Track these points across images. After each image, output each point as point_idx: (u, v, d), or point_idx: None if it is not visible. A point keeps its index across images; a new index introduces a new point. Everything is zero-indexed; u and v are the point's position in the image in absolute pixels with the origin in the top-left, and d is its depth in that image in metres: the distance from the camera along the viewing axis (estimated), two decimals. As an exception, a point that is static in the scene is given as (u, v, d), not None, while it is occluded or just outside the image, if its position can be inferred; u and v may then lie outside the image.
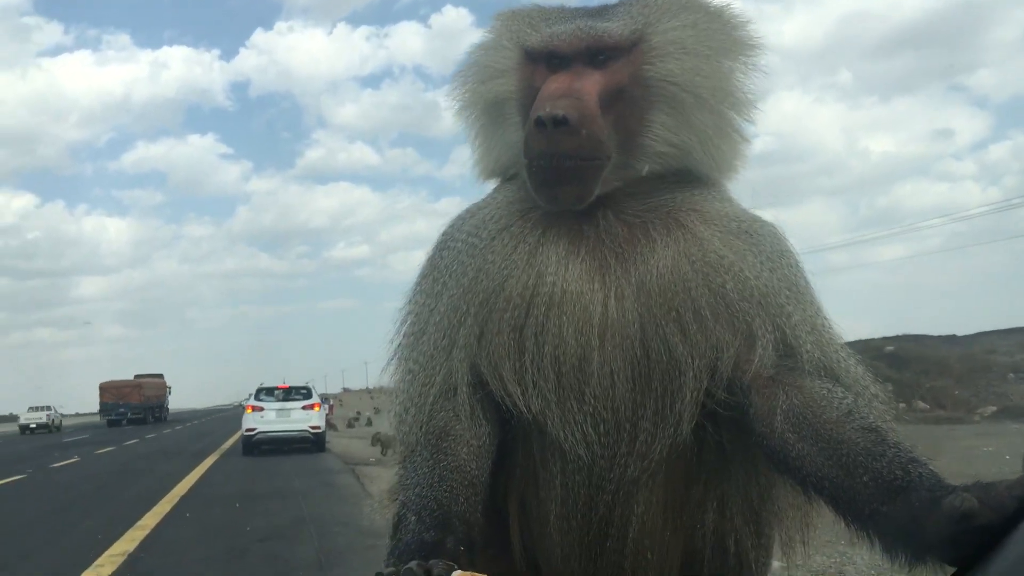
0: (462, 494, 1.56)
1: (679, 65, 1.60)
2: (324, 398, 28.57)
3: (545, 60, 1.64)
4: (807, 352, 1.58)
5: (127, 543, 9.60)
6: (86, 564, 8.35)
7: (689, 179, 1.68)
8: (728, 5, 1.71)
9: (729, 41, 1.67)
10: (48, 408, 56.06)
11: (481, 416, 1.65)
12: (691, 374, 1.55)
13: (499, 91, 1.73)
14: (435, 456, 1.60)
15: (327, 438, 24.58)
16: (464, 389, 1.65)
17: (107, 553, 8.97)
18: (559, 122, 1.51)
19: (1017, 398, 26.91)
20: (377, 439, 21.41)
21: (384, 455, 20.14)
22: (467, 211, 1.81)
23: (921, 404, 27.59)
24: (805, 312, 1.62)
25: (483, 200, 1.82)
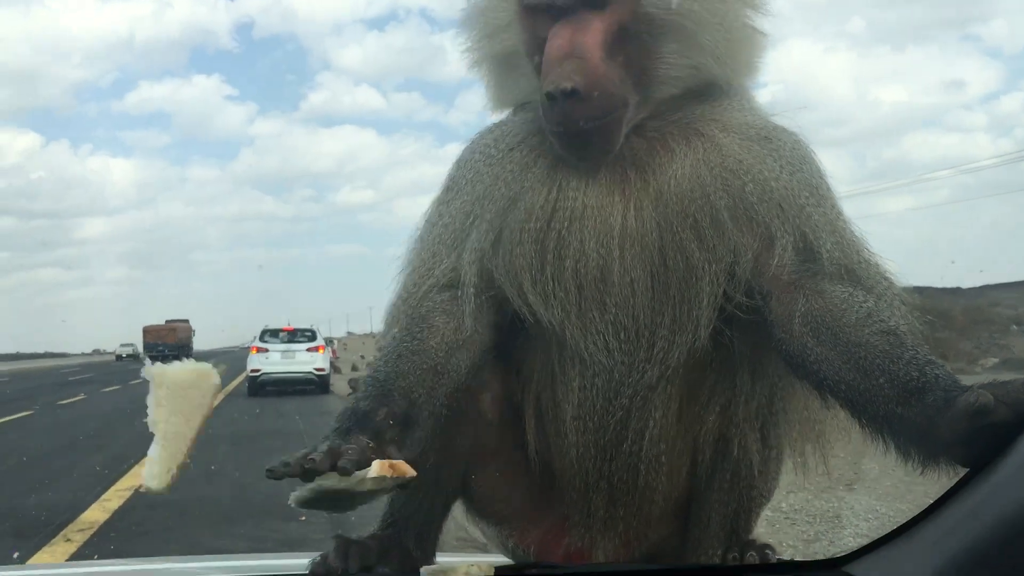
0: (414, 374, 1.58)
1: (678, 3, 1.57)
2: (328, 341, 28.71)
3: (545, 10, 1.60)
4: (827, 253, 1.57)
5: (133, 478, 9.71)
6: (93, 498, 8.49)
7: (709, 91, 1.66)
8: None
9: None
10: (132, 344, 77.40)
11: (471, 315, 1.66)
12: (707, 279, 1.56)
13: (505, 45, 1.71)
14: (403, 338, 1.63)
15: (331, 380, 24.74)
16: (468, 289, 1.66)
17: (114, 488, 9.12)
18: (569, 94, 1.50)
19: (1019, 350, 27.01)
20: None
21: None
22: (487, 127, 1.81)
23: (924, 355, 27.66)
24: (826, 214, 1.61)
25: (502, 119, 1.81)
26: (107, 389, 29.53)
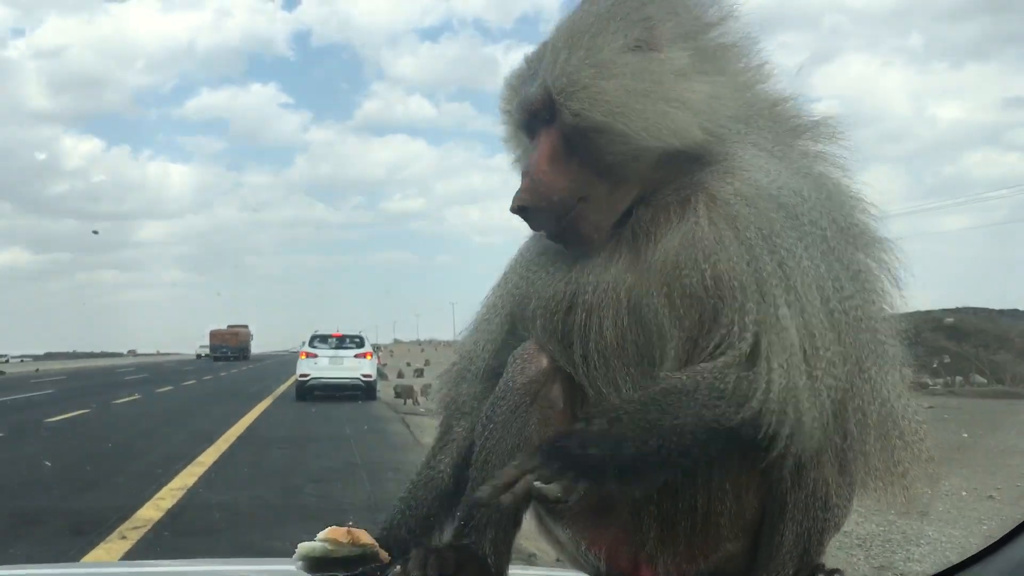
0: (429, 504, 1.89)
1: (577, 104, 1.66)
2: (375, 348, 28.94)
3: (523, 131, 1.81)
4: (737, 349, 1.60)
5: (186, 478, 9.93)
6: (148, 496, 8.67)
7: (702, 157, 1.71)
8: (618, 10, 1.71)
9: (634, 39, 1.69)
10: (207, 345, 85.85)
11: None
12: (672, 351, 1.66)
13: (517, 151, 1.91)
14: (430, 457, 1.93)
15: (377, 387, 24.94)
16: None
17: (167, 487, 9.30)
18: (520, 212, 1.70)
19: (1079, 375, 26.23)
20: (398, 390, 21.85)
21: (405, 404, 20.48)
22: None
23: (979, 378, 27.06)
24: (764, 304, 1.60)
25: None
26: (161, 390, 30.10)
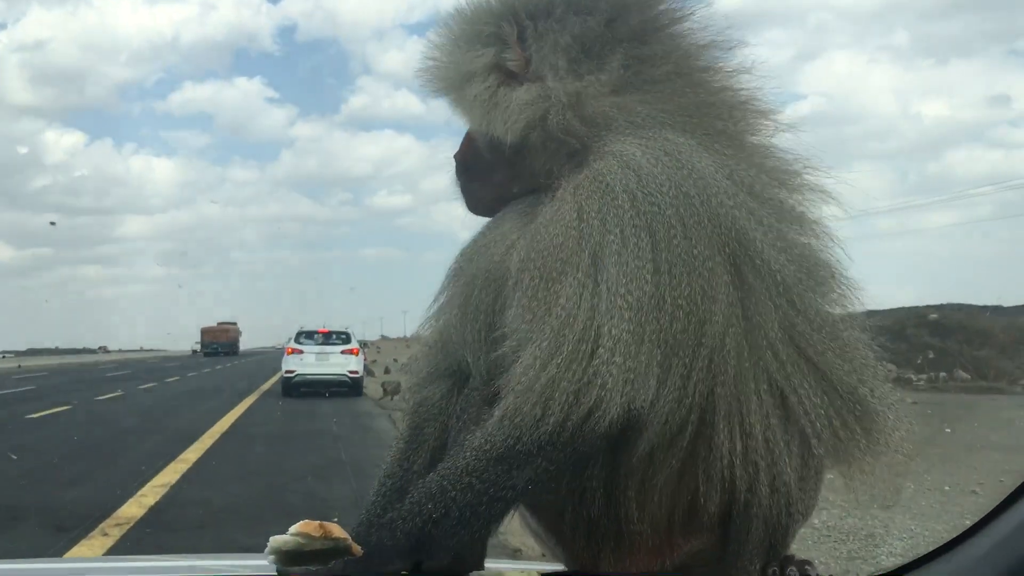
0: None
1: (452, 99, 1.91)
2: (362, 344, 28.91)
3: None
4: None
5: (169, 475, 9.88)
6: (130, 493, 8.62)
7: (580, 151, 1.76)
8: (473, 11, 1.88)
9: (476, 57, 1.85)
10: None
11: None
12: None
13: None
14: (394, 462, 1.93)
15: (364, 383, 24.90)
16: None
17: (150, 484, 9.25)
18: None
19: (1061, 371, 26.47)
20: (386, 386, 21.84)
21: (392, 400, 20.48)
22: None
23: (963, 373, 27.26)
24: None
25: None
26: (144, 386, 29.96)
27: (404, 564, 1.60)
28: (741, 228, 1.63)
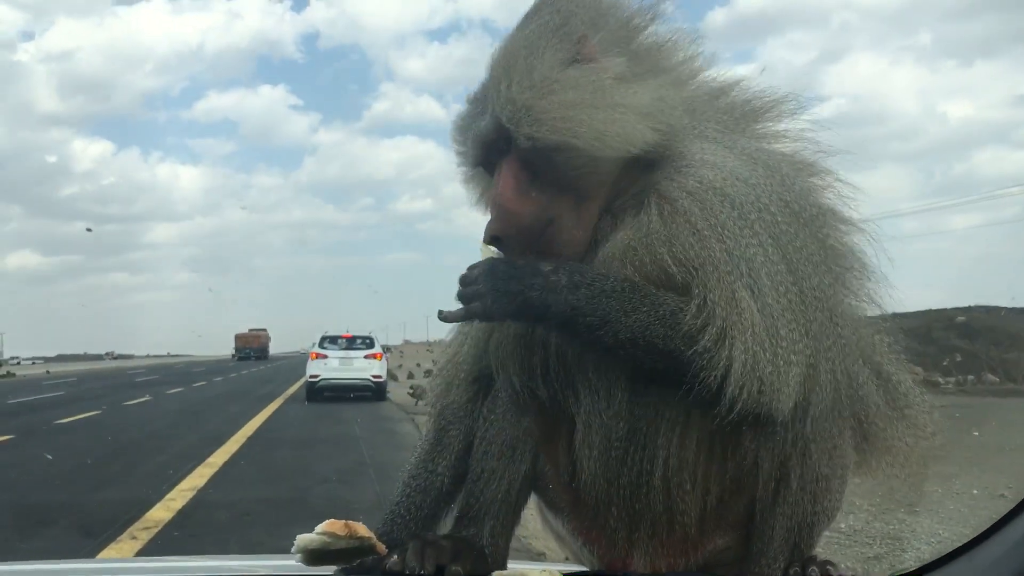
0: (427, 507, 1.92)
1: (530, 128, 1.67)
2: (385, 349, 29.00)
3: (483, 168, 1.83)
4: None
5: (196, 479, 9.97)
6: (158, 497, 8.71)
7: (655, 159, 1.73)
8: (563, 11, 1.74)
9: (567, 54, 1.71)
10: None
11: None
12: None
13: (479, 190, 1.95)
14: (419, 462, 1.95)
15: (388, 388, 24.98)
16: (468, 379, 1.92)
17: (178, 487, 9.34)
18: (496, 241, 1.71)
19: (1091, 374, 26.10)
20: (413, 391, 21.77)
21: (416, 405, 20.47)
22: None
23: (991, 376, 26.96)
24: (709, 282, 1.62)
25: None
26: (171, 391, 30.22)
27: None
28: (821, 224, 1.73)
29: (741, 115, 1.86)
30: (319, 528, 1.64)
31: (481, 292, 1.61)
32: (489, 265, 1.63)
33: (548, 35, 1.71)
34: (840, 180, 1.81)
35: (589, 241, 1.73)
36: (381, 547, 1.68)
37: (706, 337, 1.58)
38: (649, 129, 1.68)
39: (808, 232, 1.69)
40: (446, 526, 1.89)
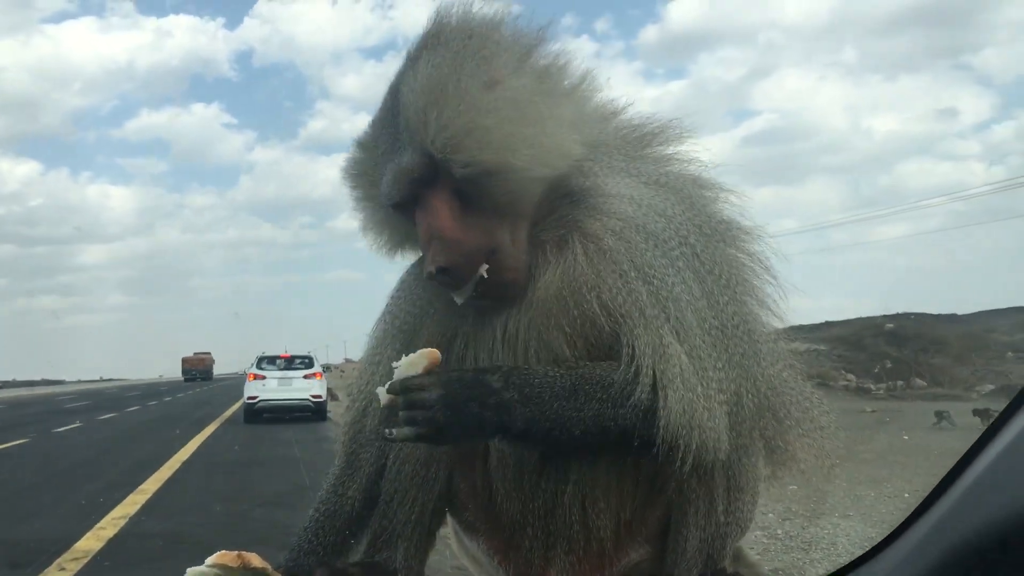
0: (336, 534, 1.93)
1: (462, 156, 1.65)
2: (326, 367, 28.63)
3: (401, 209, 1.76)
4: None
5: (128, 507, 9.71)
6: (88, 526, 8.46)
7: (571, 193, 1.75)
8: (471, 36, 1.72)
9: (483, 77, 1.69)
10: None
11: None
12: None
13: (389, 231, 1.90)
14: (329, 490, 1.97)
15: (328, 407, 24.70)
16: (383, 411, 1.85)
17: (109, 516, 9.08)
18: (442, 271, 1.67)
19: (1015, 377, 27.00)
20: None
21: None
22: (418, 258, 1.95)
23: (919, 381, 27.71)
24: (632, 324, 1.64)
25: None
26: (103, 417, 29.42)
27: None
28: (730, 238, 1.79)
29: (635, 139, 1.88)
30: (210, 560, 1.60)
31: (434, 418, 1.58)
32: (444, 387, 1.60)
33: (466, 60, 1.68)
34: (728, 190, 1.85)
35: (528, 270, 1.72)
36: None
37: (639, 391, 1.59)
38: (577, 143, 1.70)
39: (720, 252, 1.73)
40: (358, 553, 1.87)
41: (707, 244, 1.71)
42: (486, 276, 1.67)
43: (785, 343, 1.90)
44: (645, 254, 1.66)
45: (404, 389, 1.61)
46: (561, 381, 1.61)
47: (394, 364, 1.67)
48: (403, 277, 1.98)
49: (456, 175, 1.66)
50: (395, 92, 1.74)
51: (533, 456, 1.72)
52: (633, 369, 1.60)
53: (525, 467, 1.73)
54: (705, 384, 1.61)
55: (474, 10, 1.73)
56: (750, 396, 1.70)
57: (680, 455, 1.58)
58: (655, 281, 1.64)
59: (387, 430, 1.63)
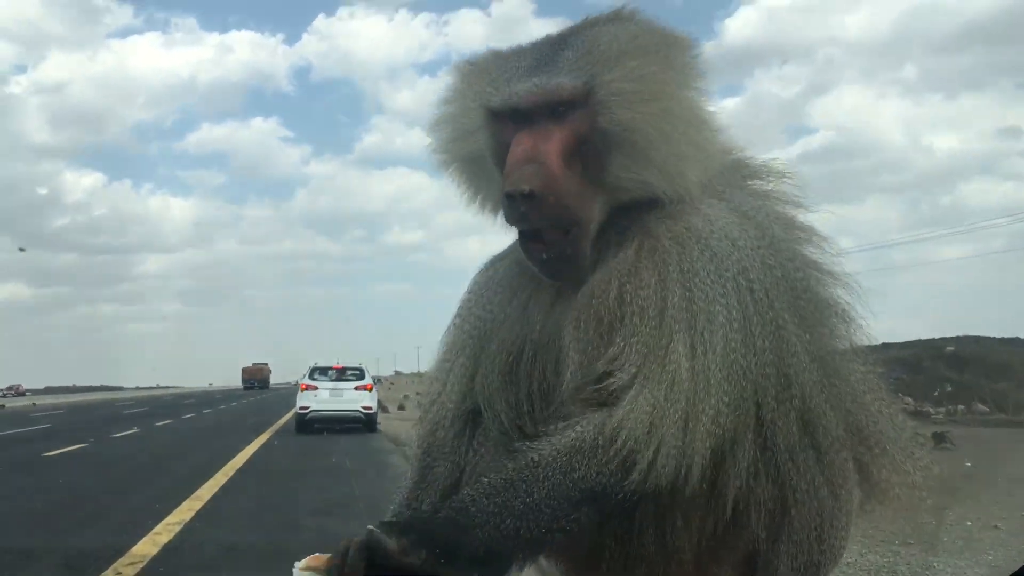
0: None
1: (628, 113, 1.63)
2: (376, 380, 28.82)
3: (509, 117, 1.70)
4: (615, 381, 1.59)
5: (184, 513, 9.85)
6: (144, 531, 8.59)
7: (656, 199, 1.71)
8: (670, 37, 1.74)
9: (676, 76, 1.69)
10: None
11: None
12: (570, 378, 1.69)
13: (472, 149, 1.81)
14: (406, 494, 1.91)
15: (378, 419, 24.84)
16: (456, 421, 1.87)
17: (164, 521, 9.21)
18: (526, 196, 1.60)
19: (1081, 403, 26.16)
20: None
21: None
22: (489, 260, 1.96)
23: (981, 406, 27.00)
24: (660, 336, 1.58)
25: (497, 255, 1.96)
26: (160, 423, 29.98)
27: None
28: (804, 281, 1.70)
29: (735, 169, 1.84)
30: (301, 564, 1.59)
31: None
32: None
33: (655, 51, 1.68)
34: (821, 235, 1.80)
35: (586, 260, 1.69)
36: None
37: (613, 381, 1.56)
38: (697, 181, 1.68)
39: (785, 301, 1.65)
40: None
41: (771, 283, 1.64)
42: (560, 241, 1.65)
43: (874, 376, 1.83)
44: (695, 263, 1.61)
45: None
46: (504, 493, 1.54)
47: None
48: (476, 278, 1.94)
49: (600, 123, 1.64)
50: (571, 32, 1.74)
51: None
52: (616, 361, 1.57)
53: None
54: (694, 404, 1.53)
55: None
56: (823, 414, 1.64)
57: (622, 463, 1.52)
58: (695, 289, 1.59)
59: None
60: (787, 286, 1.66)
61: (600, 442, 1.54)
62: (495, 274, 1.89)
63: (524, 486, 1.54)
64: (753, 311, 1.60)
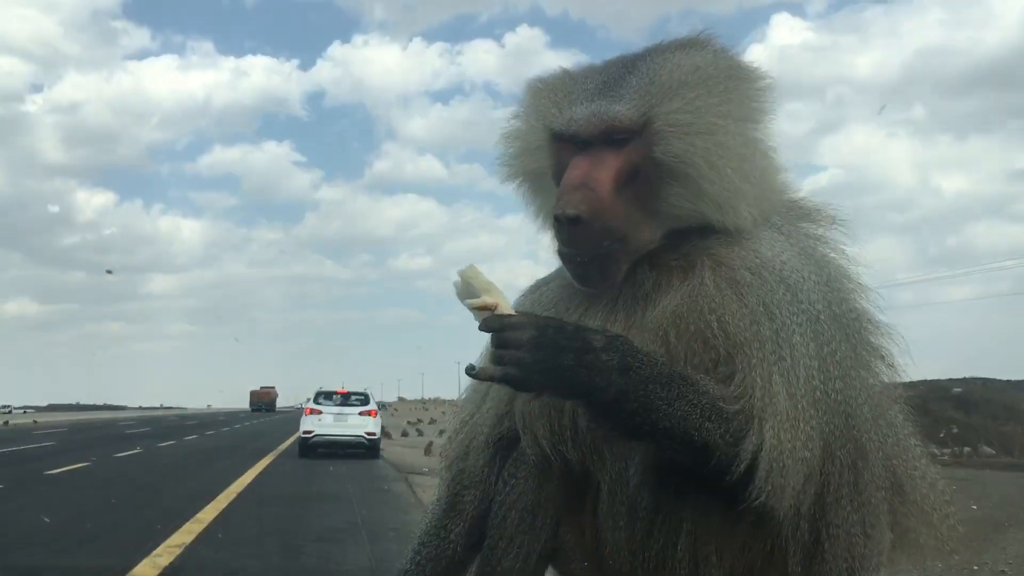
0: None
1: (682, 145, 1.66)
2: (380, 405, 28.75)
3: (570, 139, 1.74)
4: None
5: (184, 535, 9.80)
6: (144, 553, 8.55)
7: (712, 225, 1.73)
8: (735, 68, 1.76)
9: (735, 109, 1.72)
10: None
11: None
12: None
13: (536, 166, 1.85)
14: (429, 529, 1.93)
15: (381, 445, 24.75)
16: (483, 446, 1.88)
17: (165, 544, 9.16)
18: (573, 220, 1.63)
19: (1090, 449, 25.91)
20: (430, 449, 21.49)
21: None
22: (535, 283, 1.98)
23: (987, 449, 26.77)
24: (751, 367, 1.60)
25: (549, 274, 1.97)
26: (163, 444, 29.91)
27: None
28: (856, 328, 1.72)
29: (790, 208, 1.86)
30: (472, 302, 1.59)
31: (522, 358, 1.48)
32: (538, 329, 1.50)
33: (718, 83, 1.71)
34: (869, 287, 1.82)
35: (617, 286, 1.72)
36: None
37: (740, 420, 1.56)
38: (750, 217, 1.70)
39: (843, 335, 1.68)
40: None
41: (832, 321, 1.67)
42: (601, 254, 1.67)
43: (911, 425, 1.86)
44: (775, 295, 1.63)
45: (500, 327, 1.52)
46: (660, 368, 1.54)
47: (454, 281, 1.63)
48: (520, 300, 1.95)
49: (655, 153, 1.67)
50: (639, 56, 1.77)
51: (644, 502, 1.67)
52: (743, 400, 1.56)
53: (637, 518, 1.68)
54: (794, 434, 1.56)
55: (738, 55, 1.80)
56: (866, 465, 1.66)
57: (757, 491, 1.54)
58: (778, 321, 1.61)
59: (470, 365, 1.58)
60: (844, 323, 1.69)
61: (738, 439, 1.56)
62: (540, 297, 1.90)
63: (688, 395, 1.55)
64: (824, 343, 1.64)
